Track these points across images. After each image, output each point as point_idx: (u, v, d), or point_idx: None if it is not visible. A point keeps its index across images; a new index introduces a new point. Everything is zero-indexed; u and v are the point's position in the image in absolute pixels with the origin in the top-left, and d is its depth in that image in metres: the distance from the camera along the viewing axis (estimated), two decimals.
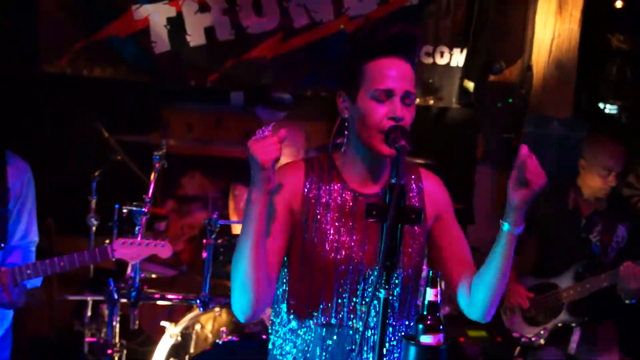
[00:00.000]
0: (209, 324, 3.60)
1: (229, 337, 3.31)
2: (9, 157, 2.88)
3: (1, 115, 4.60)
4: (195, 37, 4.73)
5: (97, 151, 4.11)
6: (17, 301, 2.77)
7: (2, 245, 2.78)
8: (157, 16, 4.64)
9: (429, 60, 5.02)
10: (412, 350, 1.81)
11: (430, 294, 1.82)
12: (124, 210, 3.37)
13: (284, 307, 2.10)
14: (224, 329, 3.40)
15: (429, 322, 1.82)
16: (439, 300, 1.83)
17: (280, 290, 2.11)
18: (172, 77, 4.80)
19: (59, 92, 4.63)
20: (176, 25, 4.68)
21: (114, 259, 2.91)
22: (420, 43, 1.84)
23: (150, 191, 3.34)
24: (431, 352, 1.81)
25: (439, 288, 1.83)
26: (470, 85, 5.11)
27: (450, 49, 5.05)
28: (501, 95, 5.27)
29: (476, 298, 2.06)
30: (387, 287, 1.78)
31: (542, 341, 3.68)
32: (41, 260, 2.80)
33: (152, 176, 3.43)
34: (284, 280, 2.11)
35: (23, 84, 4.61)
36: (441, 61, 5.05)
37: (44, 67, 4.55)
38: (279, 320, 2.13)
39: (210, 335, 3.53)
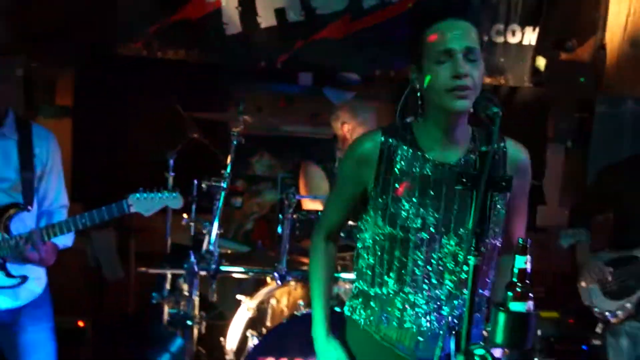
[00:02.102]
0: (284, 298, 3.65)
1: (306, 310, 3.36)
2: (34, 127, 3.01)
3: (82, 95, 4.78)
4: (265, 18, 4.79)
5: (174, 129, 4.20)
6: (47, 258, 2.92)
7: (29, 208, 2.92)
8: None
9: (500, 39, 4.97)
10: (502, 317, 1.81)
11: (521, 262, 1.83)
12: (203, 186, 3.46)
13: (361, 273, 2.15)
14: (300, 301, 3.45)
15: (518, 289, 1.82)
16: (529, 267, 1.83)
17: (358, 257, 2.17)
18: (243, 59, 4.87)
19: (136, 73, 4.75)
20: (247, 6, 4.74)
21: (129, 213, 2.98)
22: (477, 3, 1.86)
23: (229, 167, 3.42)
24: (521, 320, 1.81)
25: (529, 255, 1.84)
26: (541, 64, 5.04)
27: (522, 28, 4.98)
28: (573, 74, 5.19)
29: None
30: (477, 254, 1.79)
31: (621, 315, 3.61)
32: (66, 219, 2.92)
33: (230, 152, 3.50)
34: (362, 248, 2.15)
35: (100, 66, 4.74)
36: (513, 40, 4.99)
37: (121, 49, 4.67)
38: (356, 285, 2.18)
39: (285, 309, 3.58)
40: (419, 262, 2.04)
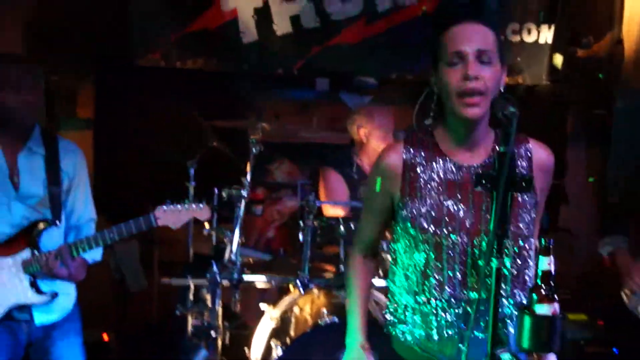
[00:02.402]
0: (307, 307, 3.63)
1: (330, 319, 3.34)
2: (61, 141, 3.02)
3: (102, 107, 4.80)
4: (281, 25, 4.82)
5: (193, 138, 4.21)
6: (76, 274, 2.90)
7: (58, 222, 2.92)
8: (245, 7, 4.74)
9: (517, 38, 4.95)
10: (527, 321, 1.79)
11: (544, 263, 1.81)
12: (223, 195, 3.47)
13: (397, 284, 2.14)
14: (324, 309, 3.43)
15: (543, 291, 1.80)
16: (552, 269, 1.81)
17: (393, 267, 2.16)
18: (260, 66, 4.89)
19: (155, 84, 4.79)
20: (263, 15, 4.78)
21: (157, 226, 2.96)
22: (494, 6, 1.86)
23: (248, 175, 3.42)
24: (547, 322, 1.79)
25: (552, 256, 1.81)
26: (559, 61, 5.01)
27: (538, 26, 4.96)
28: (590, 71, 5.15)
29: None
30: (499, 256, 1.77)
31: None
32: (94, 234, 2.92)
33: (250, 160, 3.51)
34: (395, 258, 2.15)
35: (120, 77, 4.78)
36: (529, 39, 4.97)
37: (139, 60, 4.70)
38: (393, 296, 2.17)
39: (309, 318, 3.56)
40: (455, 266, 2.03)
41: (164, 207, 2.96)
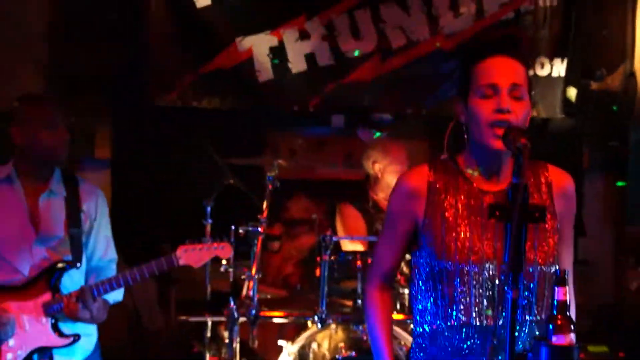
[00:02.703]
0: (325, 342, 3.63)
1: (348, 353, 3.34)
2: (81, 182, 3.03)
3: (120, 148, 4.86)
4: (296, 64, 4.86)
5: (210, 176, 4.26)
6: (98, 315, 2.88)
7: (78, 265, 2.91)
8: (260, 46, 4.81)
9: (530, 72, 4.97)
10: (544, 351, 1.79)
11: (560, 293, 1.81)
12: (240, 231, 3.49)
13: (424, 310, 2.13)
14: (342, 344, 3.43)
15: (559, 322, 1.80)
16: (568, 299, 1.81)
17: (418, 294, 2.15)
18: (276, 104, 4.94)
19: (171, 123, 4.85)
20: (278, 53, 4.83)
21: (178, 266, 2.97)
22: (527, 42, 1.87)
23: (265, 211, 3.45)
24: (563, 353, 1.78)
25: (567, 287, 1.82)
26: (572, 94, 5.03)
27: (551, 60, 4.99)
28: (604, 103, 5.16)
29: None
30: (514, 287, 1.77)
31: None
32: (115, 275, 2.91)
33: (266, 197, 3.54)
34: (420, 285, 2.13)
35: (137, 117, 4.84)
36: (542, 72, 4.99)
37: (156, 100, 4.77)
38: (419, 325, 2.15)
39: (327, 354, 3.56)
40: (481, 291, 2.02)
41: (185, 246, 2.96)
